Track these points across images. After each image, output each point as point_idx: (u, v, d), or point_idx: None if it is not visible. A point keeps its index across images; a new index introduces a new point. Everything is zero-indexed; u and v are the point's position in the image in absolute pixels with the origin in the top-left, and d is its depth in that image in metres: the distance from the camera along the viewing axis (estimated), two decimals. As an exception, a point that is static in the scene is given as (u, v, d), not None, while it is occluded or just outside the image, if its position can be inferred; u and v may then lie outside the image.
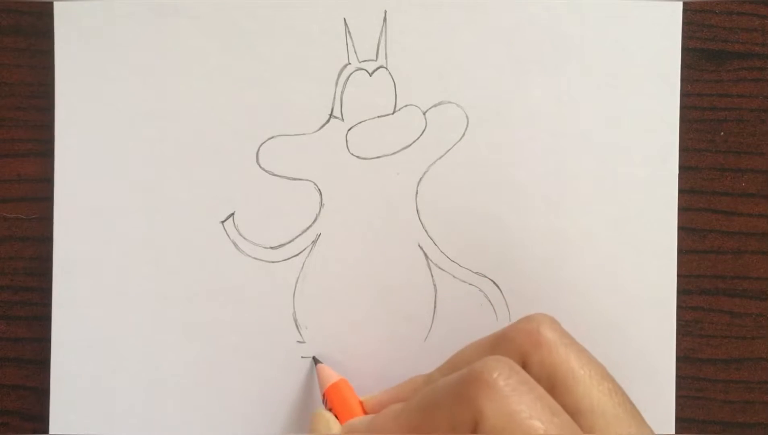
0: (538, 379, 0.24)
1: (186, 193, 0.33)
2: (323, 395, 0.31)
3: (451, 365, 0.28)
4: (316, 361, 0.33)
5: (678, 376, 0.33)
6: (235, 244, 0.33)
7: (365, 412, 0.30)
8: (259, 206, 0.33)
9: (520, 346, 0.26)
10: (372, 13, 0.33)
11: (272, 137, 0.33)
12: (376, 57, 0.33)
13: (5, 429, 0.34)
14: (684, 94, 0.33)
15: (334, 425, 0.29)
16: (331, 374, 0.32)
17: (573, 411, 0.24)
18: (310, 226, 0.33)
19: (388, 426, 0.25)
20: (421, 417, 0.24)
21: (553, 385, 0.25)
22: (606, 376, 0.26)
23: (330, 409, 0.30)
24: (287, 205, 0.33)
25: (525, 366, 0.25)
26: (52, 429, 0.33)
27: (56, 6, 0.33)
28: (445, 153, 0.33)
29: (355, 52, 0.33)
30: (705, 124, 0.33)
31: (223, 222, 0.33)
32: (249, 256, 0.33)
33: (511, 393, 0.22)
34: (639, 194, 0.33)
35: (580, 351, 0.26)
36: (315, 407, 0.33)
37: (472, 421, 0.22)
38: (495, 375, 0.23)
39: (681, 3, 0.33)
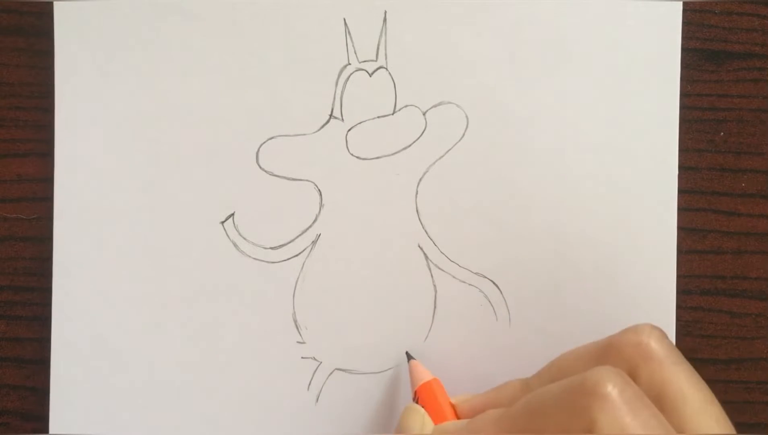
0: (646, 394, 0.24)
1: (186, 194, 0.33)
2: (415, 393, 0.30)
3: (552, 372, 0.28)
4: (409, 356, 0.32)
5: (678, 376, 0.33)
6: (235, 245, 0.33)
7: (456, 415, 0.29)
8: (259, 206, 0.33)
9: (630, 359, 0.25)
10: (372, 13, 0.33)
11: (272, 137, 0.33)
12: (376, 57, 0.33)
13: (5, 429, 0.34)
14: (684, 95, 0.33)
15: (429, 423, 0.29)
16: (424, 372, 0.31)
17: (677, 432, 0.24)
18: (310, 226, 0.33)
19: (488, 431, 0.25)
20: (526, 423, 0.24)
21: (660, 403, 0.24)
22: (714, 402, 0.25)
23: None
24: (287, 205, 0.33)
25: (633, 379, 0.24)
26: (52, 429, 0.33)
27: (56, 6, 0.33)
28: (445, 153, 0.33)
29: (355, 53, 0.33)
30: (705, 124, 0.33)
31: (223, 222, 0.33)
32: (249, 256, 0.33)
33: (626, 407, 0.22)
34: (639, 194, 0.33)
35: (690, 371, 0.25)
36: (315, 407, 0.33)
37: (583, 432, 0.22)
38: (610, 387, 0.22)
39: (681, 3, 0.33)
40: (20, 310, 0.34)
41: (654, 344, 0.25)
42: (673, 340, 0.33)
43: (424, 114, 0.33)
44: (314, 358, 0.33)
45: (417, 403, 0.30)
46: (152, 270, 0.33)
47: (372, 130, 0.33)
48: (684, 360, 0.26)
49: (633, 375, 0.25)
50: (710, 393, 0.25)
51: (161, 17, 0.33)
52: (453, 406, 0.30)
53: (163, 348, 0.33)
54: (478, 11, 0.33)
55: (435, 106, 0.33)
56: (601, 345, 0.27)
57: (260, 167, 0.33)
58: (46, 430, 0.33)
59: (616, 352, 0.26)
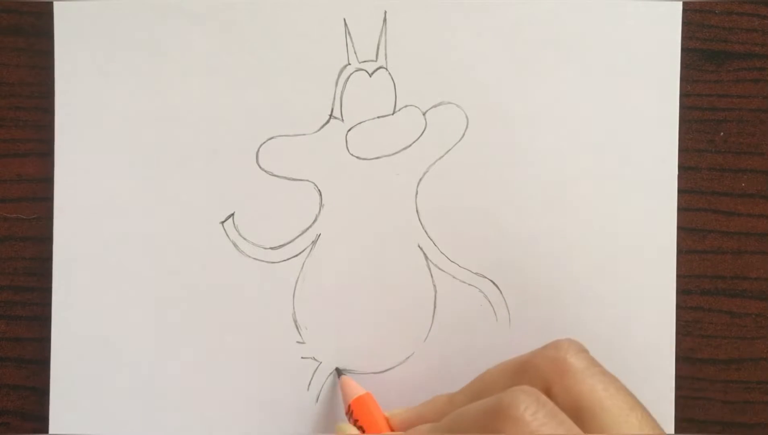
0: (564, 408, 0.24)
1: (186, 193, 0.33)
2: (348, 407, 0.31)
3: (475, 389, 0.28)
4: (339, 372, 0.33)
5: (677, 376, 0.33)
6: (235, 245, 0.33)
7: (390, 428, 0.30)
8: (259, 207, 0.33)
9: (545, 374, 0.26)
10: (372, 13, 0.33)
11: (272, 137, 0.33)
12: (376, 57, 0.33)
13: (5, 429, 0.34)
14: (684, 95, 0.33)
15: None
16: (356, 387, 0.32)
17: None
18: (310, 226, 0.33)
19: None
20: None
21: (578, 415, 0.24)
22: (635, 406, 0.25)
23: (355, 422, 0.30)
24: (287, 205, 0.33)
25: (549, 394, 0.25)
26: (52, 429, 0.33)
27: (56, 6, 0.33)
28: (445, 153, 0.33)
29: (355, 53, 0.33)
30: (705, 124, 0.33)
31: (223, 222, 0.33)
32: (249, 256, 0.33)
33: (539, 428, 0.22)
34: (639, 194, 0.33)
35: (608, 380, 0.25)
36: (315, 407, 0.33)
37: None
38: (522, 408, 0.23)
39: (681, 3, 0.33)
40: (20, 310, 0.34)
41: (570, 358, 0.26)
42: (673, 340, 0.33)
43: (424, 114, 0.33)
44: (314, 358, 0.33)
45: (350, 417, 0.31)
46: (152, 270, 0.33)
47: (372, 130, 0.33)
48: (604, 370, 0.26)
49: (550, 390, 0.25)
50: (632, 398, 0.25)
51: (161, 17, 0.33)
52: (387, 420, 0.30)
53: (163, 348, 0.33)
54: (478, 11, 0.33)
55: (435, 106, 0.33)
56: (520, 361, 0.27)
57: (260, 167, 0.33)
58: (46, 430, 0.33)
59: (533, 368, 0.26)
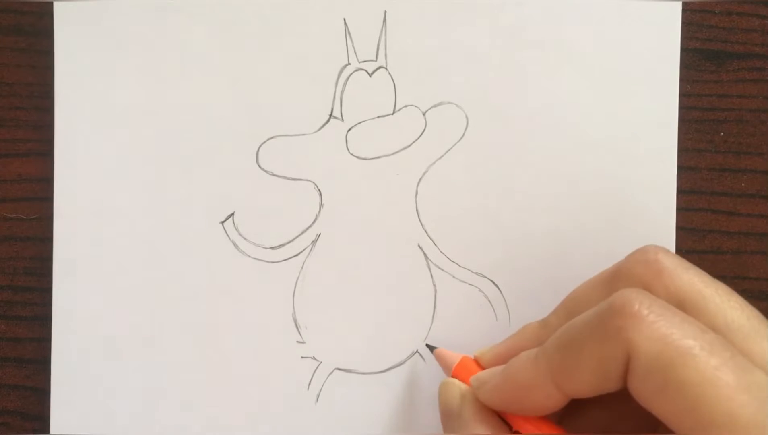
0: None
1: (186, 193, 0.33)
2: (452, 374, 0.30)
3: (568, 306, 0.28)
4: (431, 347, 0.32)
5: (678, 376, 0.33)
6: (235, 245, 0.33)
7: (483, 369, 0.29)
8: (259, 206, 0.33)
9: (641, 277, 0.26)
10: (372, 13, 0.33)
11: (272, 137, 0.33)
12: (376, 57, 0.33)
13: (5, 429, 0.34)
14: (683, 95, 0.33)
15: (468, 393, 0.28)
16: (452, 356, 0.31)
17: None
18: (310, 226, 0.33)
19: (527, 371, 0.25)
20: (562, 358, 0.24)
21: (682, 308, 0.24)
22: (732, 292, 0.25)
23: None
24: (287, 205, 0.33)
25: None
26: (52, 429, 0.33)
27: (56, 6, 0.33)
28: (445, 153, 0.33)
29: (355, 52, 0.33)
30: (704, 124, 0.33)
31: (223, 222, 0.33)
32: (249, 256, 0.33)
33: (658, 319, 0.22)
34: (638, 194, 0.33)
35: (701, 272, 0.26)
36: (315, 407, 0.33)
37: (622, 354, 0.22)
38: (637, 305, 0.23)
39: (680, 3, 0.33)
40: (20, 310, 0.34)
41: (662, 258, 0.26)
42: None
43: (424, 114, 0.33)
44: (314, 358, 0.33)
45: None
46: (152, 270, 0.33)
47: (372, 130, 0.33)
48: (694, 266, 0.26)
49: (649, 291, 0.25)
50: (726, 287, 0.26)
51: (161, 17, 0.33)
52: (477, 361, 0.29)
53: (163, 348, 0.33)
54: (478, 11, 0.33)
55: (435, 106, 0.33)
56: (610, 272, 0.27)
57: (260, 167, 0.33)
58: (46, 430, 0.33)
59: (627, 274, 0.26)
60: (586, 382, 0.24)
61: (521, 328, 0.29)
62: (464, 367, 0.30)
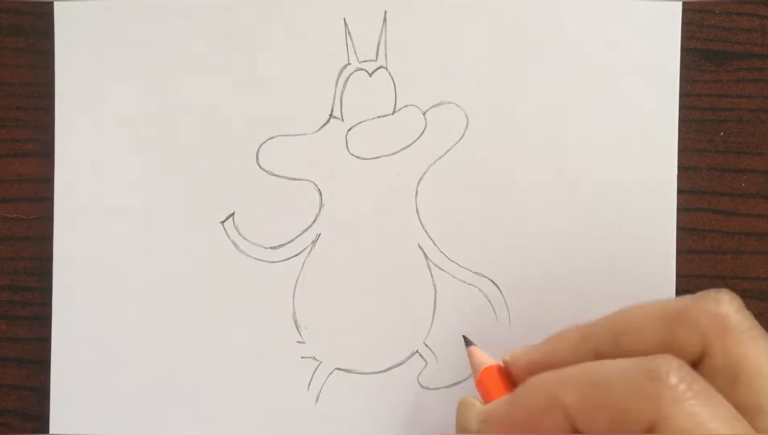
0: (720, 370, 0.23)
1: (186, 193, 0.33)
2: (477, 380, 0.29)
3: (614, 328, 0.26)
4: (467, 342, 0.31)
5: (678, 376, 0.33)
6: (235, 244, 0.33)
7: (511, 376, 0.27)
8: (259, 206, 0.33)
9: (705, 330, 0.24)
10: (372, 13, 0.33)
11: (272, 137, 0.33)
12: (376, 57, 0.33)
13: (5, 429, 0.34)
14: (683, 95, 0.33)
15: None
16: (484, 357, 0.29)
17: (754, 409, 0.23)
18: (310, 226, 0.33)
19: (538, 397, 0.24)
20: (587, 393, 0.23)
21: (735, 377, 0.23)
22: None
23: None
24: (287, 205, 0.33)
25: (706, 353, 0.24)
26: (52, 429, 0.33)
27: (56, 6, 0.33)
28: (445, 153, 0.33)
29: (355, 53, 0.33)
30: (704, 124, 0.33)
31: (223, 222, 0.33)
32: (249, 256, 0.33)
33: (694, 398, 0.22)
34: (638, 194, 0.33)
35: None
36: (315, 407, 0.33)
37: (649, 418, 0.22)
38: (677, 379, 0.22)
39: (680, 3, 0.33)
40: (20, 310, 0.34)
41: (733, 316, 0.24)
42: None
43: (424, 114, 0.33)
44: (314, 358, 0.33)
45: (477, 385, 0.28)
46: (152, 270, 0.33)
47: (372, 130, 0.33)
48: (764, 333, 0.24)
49: (708, 347, 0.24)
50: None
51: (161, 17, 0.33)
52: (506, 365, 0.28)
53: (163, 348, 0.33)
54: (478, 11, 0.33)
55: (435, 106, 0.33)
56: (674, 309, 0.25)
57: (260, 167, 0.33)
58: (46, 430, 0.33)
59: (691, 322, 0.24)
60: (601, 425, 0.23)
61: (559, 333, 0.27)
62: (490, 376, 0.28)
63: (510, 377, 0.28)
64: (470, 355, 0.30)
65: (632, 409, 0.22)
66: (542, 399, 0.24)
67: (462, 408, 0.27)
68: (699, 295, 0.25)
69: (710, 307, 0.24)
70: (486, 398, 0.28)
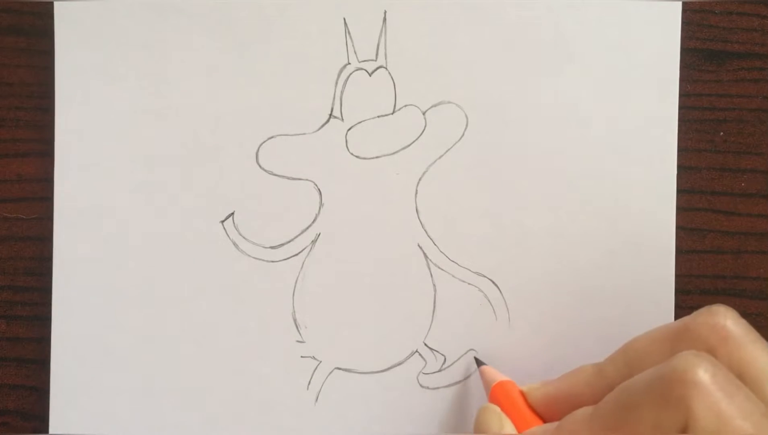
0: None
1: (186, 193, 0.33)
2: (490, 394, 0.30)
3: (627, 359, 0.27)
4: (478, 362, 0.32)
5: (678, 376, 0.33)
6: (235, 244, 0.33)
7: (528, 405, 0.29)
8: (259, 206, 0.33)
9: (706, 340, 0.25)
10: (372, 13, 0.33)
11: (272, 137, 0.33)
12: (376, 57, 0.33)
13: (5, 429, 0.34)
14: (683, 94, 0.33)
15: (507, 422, 0.28)
16: (496, 374, 0.31)
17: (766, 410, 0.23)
18: (310, 225, 0.33)
19: (582, 432, 0.24)
20: (618, 420, 0.23)
21: (741, 380, 0.23)
22: None
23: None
24: (287, 204, 0.33)
25: None
26: (52, 429, 0.33)
27: (56, 6, 0.33)
28: (445, 153, 0.33)
29: (355, 52, 0.33)
30: (704, 124, 0.34)
31: (223, 222, 0.33)
32: (249, 255, 0.33)
33: (720, 392, 0.22)
34: (638, 194, 0.33)
35: (766, 347, 0.25)
36: (314, 407, 0.33)
37: (680, 422, 0.22)
38: (701, 373, 0.22)
39: (680, 3, 0.33)
40: (20, 310, 0.34)
41: (731, 324, 0.25)
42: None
43: (423, 114, 0.33)
44: (314, 358, 0.33)
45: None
46: (152, 269, 0.33)
47: (372, 130, 0.33)
48: (760, 338, 0.25)
49: (712, 355, 0.24)
50: None
51: (161, 17, 0.33)
52: (523, 395, 0.29)
53: (163, 348, 0.33)
54: (478, 11, 0.33)
55: (435, 105, 0.33)
56: (674, 328, 0.26)
57: (260, 167, 0.33)
58: (46, 430, 0.33)
59: (693, 335, 0.25)
60: None
61: (575, 370, 0.28)
62: (503, 389, 0.29)
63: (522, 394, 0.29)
64: (482, 375, 0.31)
65: (665, 417, 0.22)
66: (584, 429, 0.24)
67: (482, 413, 0.29)
68: (696, 312, 0.26)
69: (709, 319, 0.25)
70: (504, 407, 0.29)
